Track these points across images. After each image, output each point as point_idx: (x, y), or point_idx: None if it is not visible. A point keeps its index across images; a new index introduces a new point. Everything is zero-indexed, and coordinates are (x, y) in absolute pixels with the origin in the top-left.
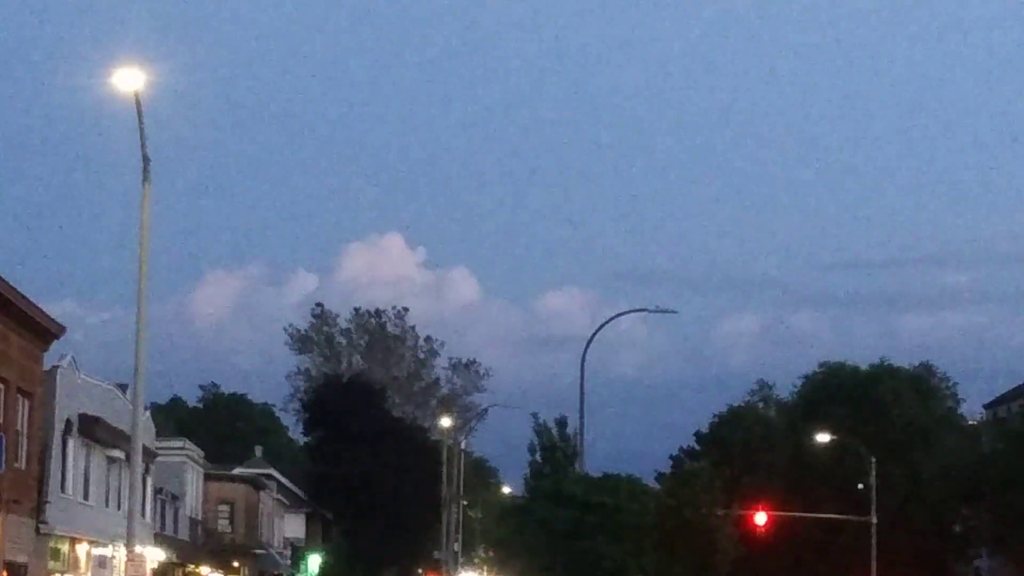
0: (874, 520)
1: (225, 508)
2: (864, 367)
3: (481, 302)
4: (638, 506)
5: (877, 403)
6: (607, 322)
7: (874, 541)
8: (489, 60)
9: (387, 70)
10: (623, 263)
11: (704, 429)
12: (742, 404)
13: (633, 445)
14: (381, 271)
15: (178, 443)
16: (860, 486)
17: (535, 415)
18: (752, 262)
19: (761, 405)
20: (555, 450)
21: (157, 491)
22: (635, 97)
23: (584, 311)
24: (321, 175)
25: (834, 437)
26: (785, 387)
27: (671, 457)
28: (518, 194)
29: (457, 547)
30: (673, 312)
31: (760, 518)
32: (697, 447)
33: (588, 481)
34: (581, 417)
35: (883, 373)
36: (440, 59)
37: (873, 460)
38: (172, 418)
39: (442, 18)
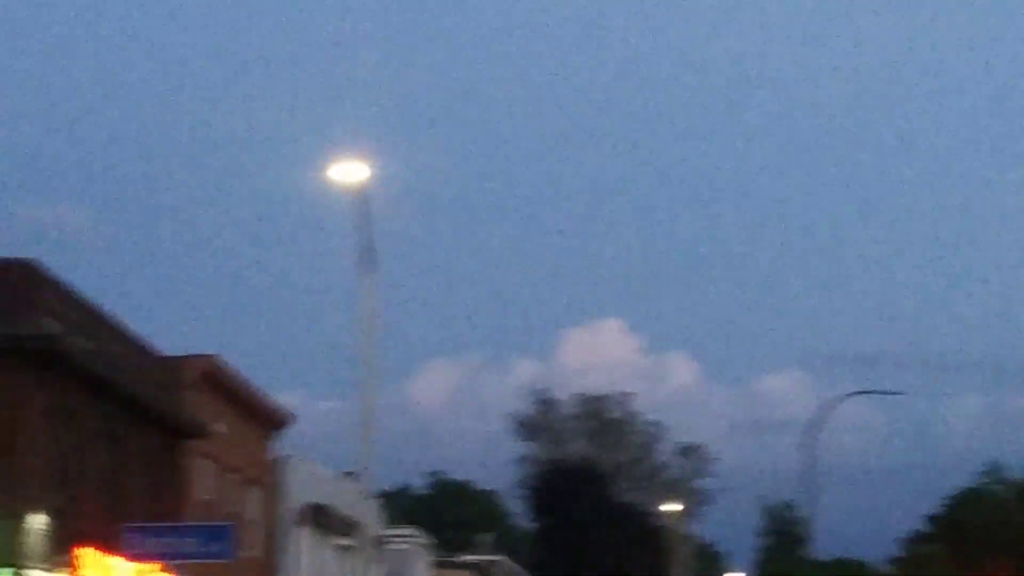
0: None
1: None
2: None
3: (700, 386)
4: None
5: None
6: (834, 404)
7: None
8: (701, 143)
9: (604, 157)
10: (843, 345)
11: (934, 511)
12: (975, 486)
13: (860, 529)
14: (600, 357)
15: (407, 530)
16: None
17: (763, 498)
18: (976, 341)
19: (995, 486)
20: (783, 535)
21: None
22: (846, 174)
23: (805, 393)
24: (539, 263)
25: None
26: (1018, 467)
27: (902, 540)
28: (734, 277)
29: None
30: (900, 394)
31: None
32: (929, 530)
33: (818, 566)
34: (810, 501)
35: None
36: (658, 145)
37: None
38: (400, 505)
39: (654, 100)
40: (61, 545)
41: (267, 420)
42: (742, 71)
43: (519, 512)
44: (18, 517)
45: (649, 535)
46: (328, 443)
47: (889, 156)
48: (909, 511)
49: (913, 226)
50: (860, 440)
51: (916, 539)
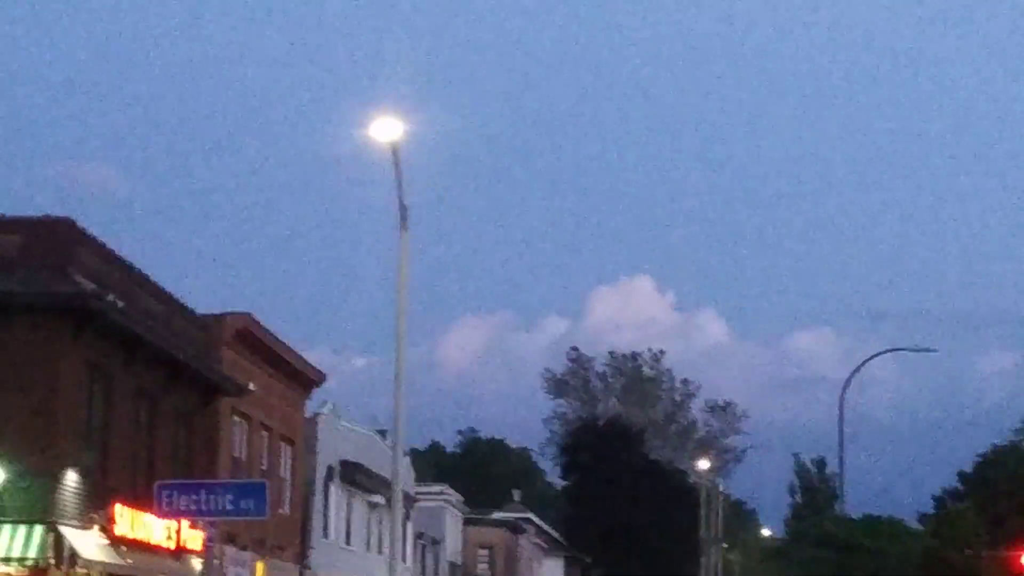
0: None
1: (484, 553)
2: None
3: (731, 343)
4: (901, 548)
5: None
6: (866, 362)
7: None
8: (729, 104)
9: (633, 116)
10: (872, 301)
11: (966, 469)
12: (1006, 443)
13: (893, 486)
14: (631, 314)
15: (437, 488)
16: None
17: (796, 456)
18: (1007, 297)
19: None
20: (815, 492)
21: (417, 536)
22: (876, 131)
23: (835, 351)
24: (569, 220)
25: None
26: None
27: (934, 498)
28: (764, 234)
29: None
30: (931, 351)
31: None
32: (960, 487)
33: (849, 522)
34: (841, 459)
35: None
36: (685, 103)
37: None
38: (431, 463)
39: (682, 59)
40: (94, 502)
41: (300, 378)
42: (768, 26)
43: (550, 470)
44: (52, 474)
45: (680, 493)
46: (360, 401)
47: (919, 112)
48: (941, 469)
49: (942, 183)
50: (891, 398)
51: (947, 497)
